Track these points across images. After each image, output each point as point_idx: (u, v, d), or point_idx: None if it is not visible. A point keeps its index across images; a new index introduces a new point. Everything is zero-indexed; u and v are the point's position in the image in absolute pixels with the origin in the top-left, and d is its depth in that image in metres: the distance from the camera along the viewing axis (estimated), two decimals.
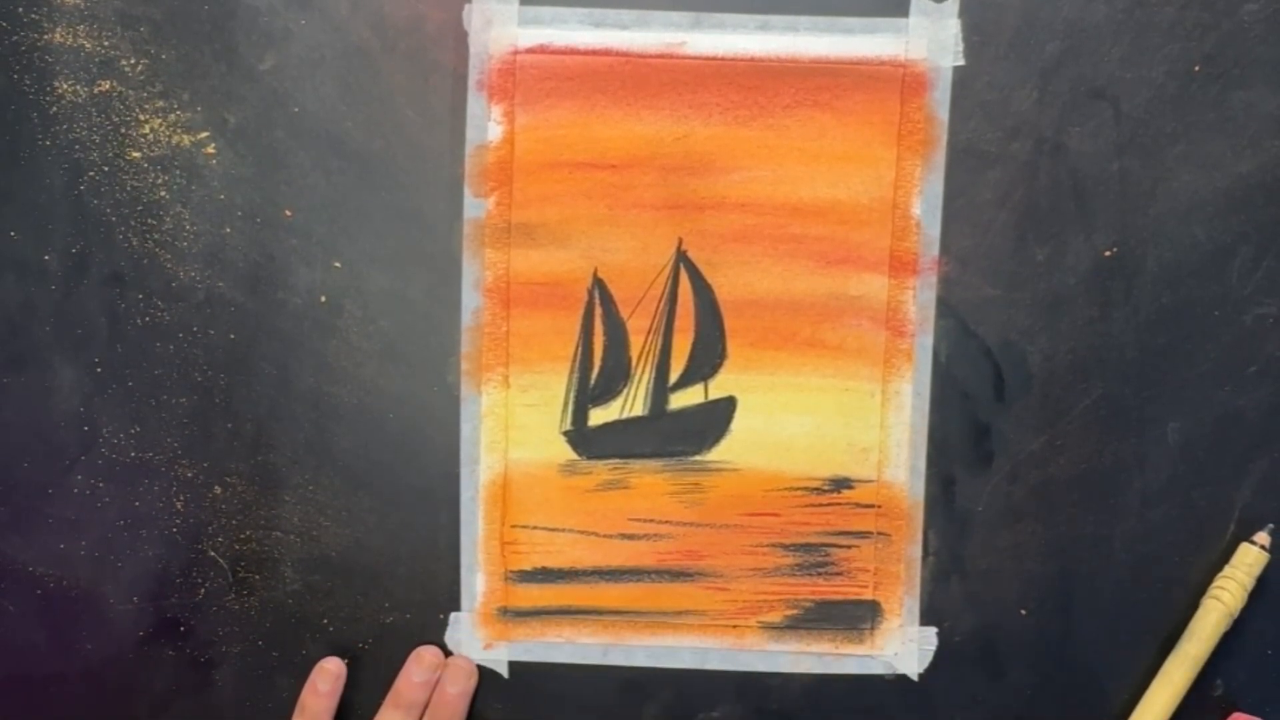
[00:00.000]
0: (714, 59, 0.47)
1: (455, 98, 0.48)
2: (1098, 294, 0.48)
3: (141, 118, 0.48)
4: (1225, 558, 0.48)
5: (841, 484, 0.49)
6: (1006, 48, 0.47)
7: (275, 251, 0.48)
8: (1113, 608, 0.49)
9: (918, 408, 0.48)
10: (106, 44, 0.48)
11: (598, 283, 0.48)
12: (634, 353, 0.49)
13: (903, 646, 0.49)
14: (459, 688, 0.49)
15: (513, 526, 0.49)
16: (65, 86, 0.48)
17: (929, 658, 0.49)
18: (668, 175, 0.48)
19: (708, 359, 0.49)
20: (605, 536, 0.49)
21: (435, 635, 0.50)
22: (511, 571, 0.49)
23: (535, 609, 0.50)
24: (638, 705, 0.50)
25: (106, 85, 0.48)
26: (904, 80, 0.47)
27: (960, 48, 0.47)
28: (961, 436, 0.49)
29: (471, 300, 0.48)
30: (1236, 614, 0.47)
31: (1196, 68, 0.47)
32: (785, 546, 0.49)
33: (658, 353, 0.49)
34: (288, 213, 0.48)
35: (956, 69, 0.47)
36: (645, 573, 0.49)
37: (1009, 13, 0.47)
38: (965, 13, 0.47)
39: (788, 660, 0.49)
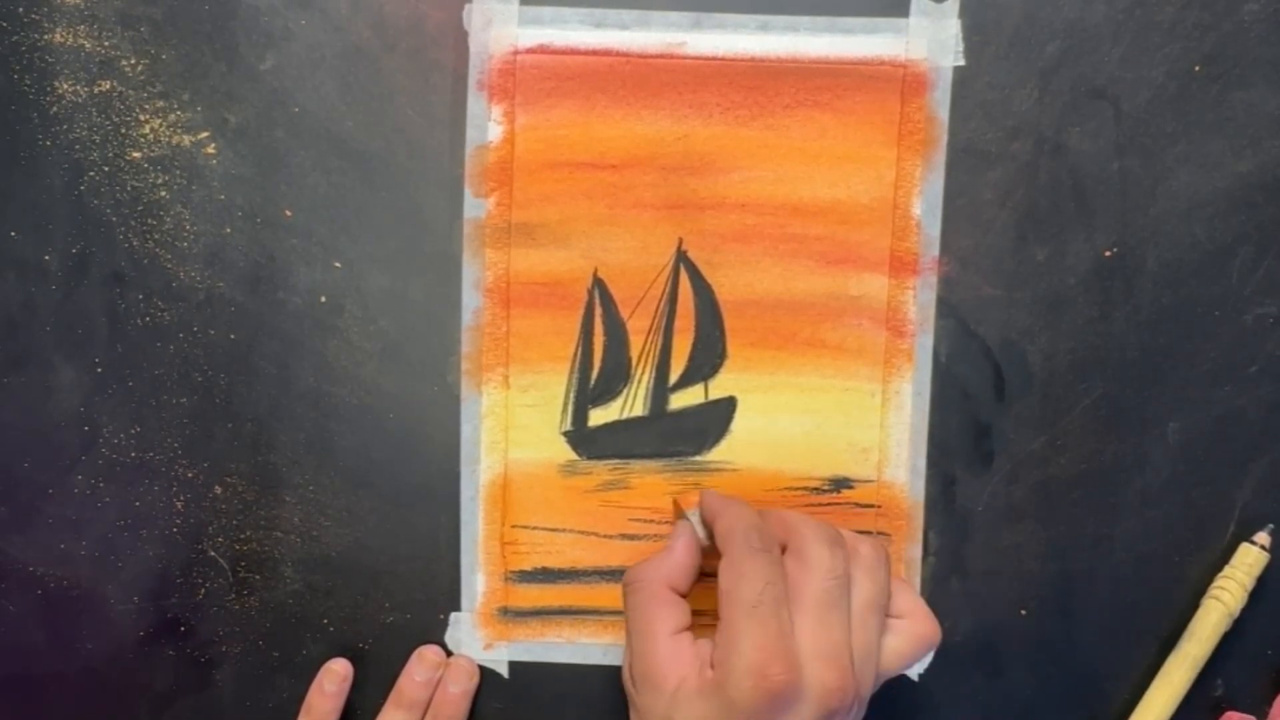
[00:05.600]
0: (714, 59, 0.47)
1: (455, 98, 0.48)
2: (1098, 294, 0.48)
3: (141, 118, 0.48)
4: (1225, 558, 0.48)
5: (841, 484, 0.49)
6: (1006, 48, 0.47)
7: (275, 251, 0.48)
8: (1113, 608, 0.49)
9: (918, 408, 0.49)
10: (107, 44, 0.48)
11: (598, 283, 0.49)
12: (634, 353, 0.49)
13: None
14: (461, 687, 0.49)
15: (513, 526, 0.49)
16: (65, 86, 0.48)
17: (929, 658, 0.49)
18: (668, 175, 0.48)
19: (708, 359, 0.49)
20: (606, 537, 0.49)
21: (435, 635, 0.50)
22: (512, 571, 0.49)
23: (535, 609, 0.50)
24: None
25: (106, 85, 0.48)
26: (904, 80, 0.47)
27: (960, 48, 0.47)
28: (961, 436, 0.49)
29: (471, 300, 0.48)
30: (1236, 614, 0.47)
31: (1196, 68, 0.47)
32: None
33: (658, 353, 0.49)
34: (288, 213, 0.48)
35: (957, 69, 0.47)
36: None
37: (1009, 13, 0.47)
38: (965, 13, 0.47)
39: None
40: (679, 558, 0.44)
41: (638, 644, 0.42)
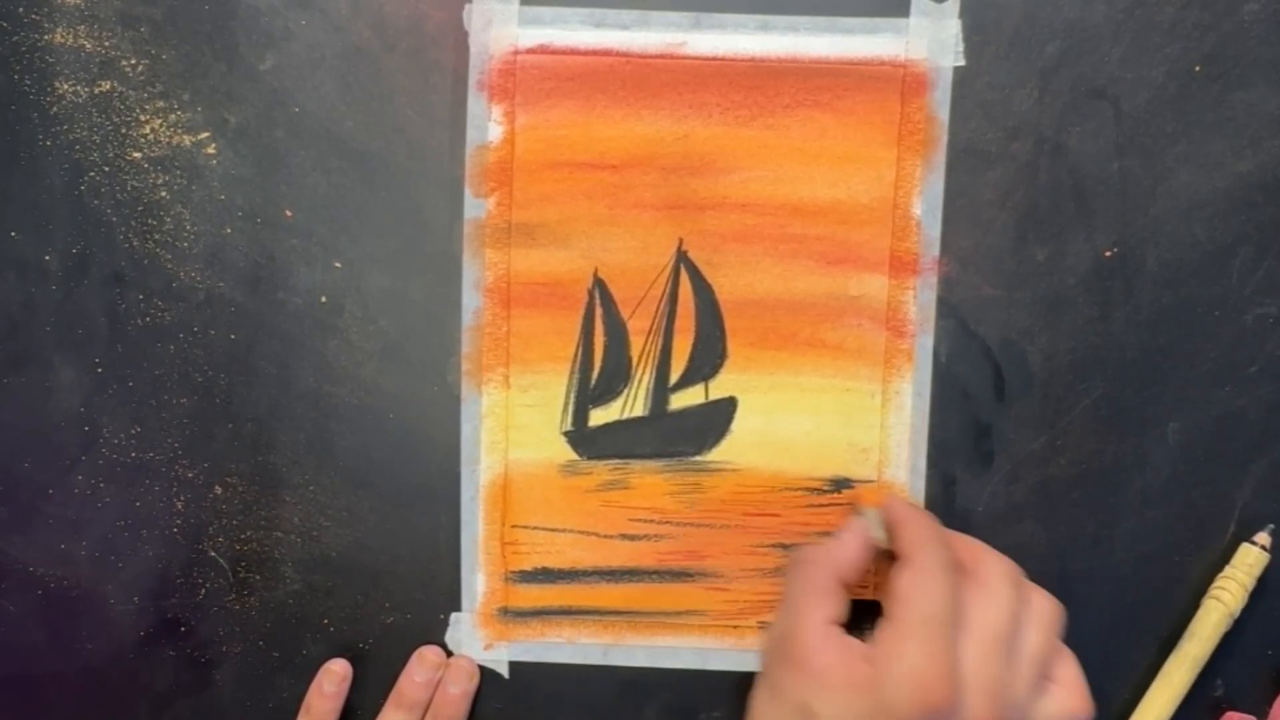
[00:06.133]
0: (714, 59, 0.47)
1: (455, 98, 0.48)
2: (1098, 294, 0.48)
3: (142, 118, 0.48)
4: (1225, 558, 0.48)
5: (841, 484, 0.49)
6: (1006, 48, 0.47)
7: (275, 251, 0.48)
8: (1113, 608, 0.49)
9: (918, 408, 0.49)
10: (107, 44, 0.48)
11: (598, 283, 0.49)
12: (634, 353, 0.49)
13: None
14: (461, 688, 0.49)
15: (513, 527, 0.49)
16: (65, 86, 0.48)
17: None
18: (668, 175, 0.48)
19: (708, 359, 0.49)
20: (606, 537, 0.49)
21: (436, 635, 0.50)
22: (512, 572, 0.49)
23: (536, 609, 0.50)
24: (638, 705, 0.50)
25: (107, 85, 0.48)
26: (904, 80, 0.47)
27: (960, 48, 0.47)
28: (961, 436, 0.49)
29: (471, 300, 0.48)
30: (1236, 614, 0.47)
31: (1196, 68, 0.47)
32: (786, 547, 0.49)
33: (658, 353, 0.49)
34: (288, 213, 0.48)
35: (957, 69, 0.47)
36: (646, 573, 0.49)
37: (1009, 13, 0.47)
38: (965, 13, 0.47)
39: None
40: (853, 551, 0.44)
41: (791, 622, 0.42)
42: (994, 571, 0.41)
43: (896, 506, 0.44)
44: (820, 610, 0.42)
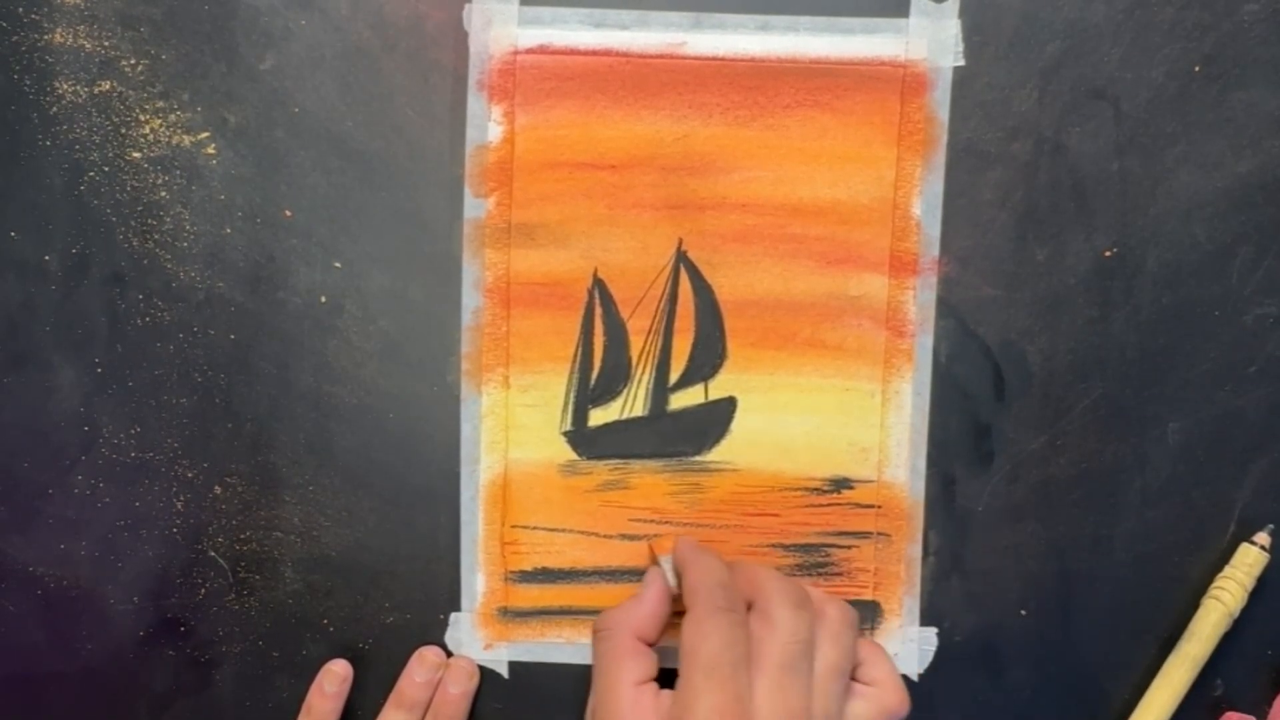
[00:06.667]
0: (714, 59, 0.47)
1: (455, 98, 0.48)
2: (1098, 294, 0.48)
3: (141, 118, 0.48)
4: (1225, 558, 0.48)
5: (841, 484, 0.49)
6: (1006, 48, 0.47)
7: (275, 251, 0.48)
8: (1113, 608, 0.49)
9: (918, 408, 0.49)
10: (106, 44, 0.48)
11: (598, 283, 0.49)
12: (634, 353, 0.49)
13: (903, 647, 0.49)
14: (461, 688, 0.49)
15: (513, 526, 0.49)
16: (65, 86, 0.48)
17: (929, 658, 0.49)
18: (668, 175, 0.48)
19: (708, 359, 0.49)
20: (605, 537, 0.49)
21: (435, 635, 0.50)
22: (512, 572, 0.49)
23: (536, 609, 0.50)
24: None
25: (106, 85, 0.48)
26: (904, 80, 0.47)
27: (960, 48, 0.47)
28: (961, 436, 0.49)
29: (471, 300, 0.48)
30: (1236, 614, 0.47)
31: (1196, 68, 0.47)
32: (785, 547, 0.49)
33: (658, 353, 0.49)
34: (288, 213, 0.48)
35: (956, 69, 0.47)
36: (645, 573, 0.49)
37: (1009, 13, 0.47)
38: (965, 13, 0.47)
39: None
40: (649, 607, 0.44)
41: (601, 691, 0.43)
42: (775, 599, 0.42)
43: (682, 552, 0.44)
44: (627, 673, 0.42)
